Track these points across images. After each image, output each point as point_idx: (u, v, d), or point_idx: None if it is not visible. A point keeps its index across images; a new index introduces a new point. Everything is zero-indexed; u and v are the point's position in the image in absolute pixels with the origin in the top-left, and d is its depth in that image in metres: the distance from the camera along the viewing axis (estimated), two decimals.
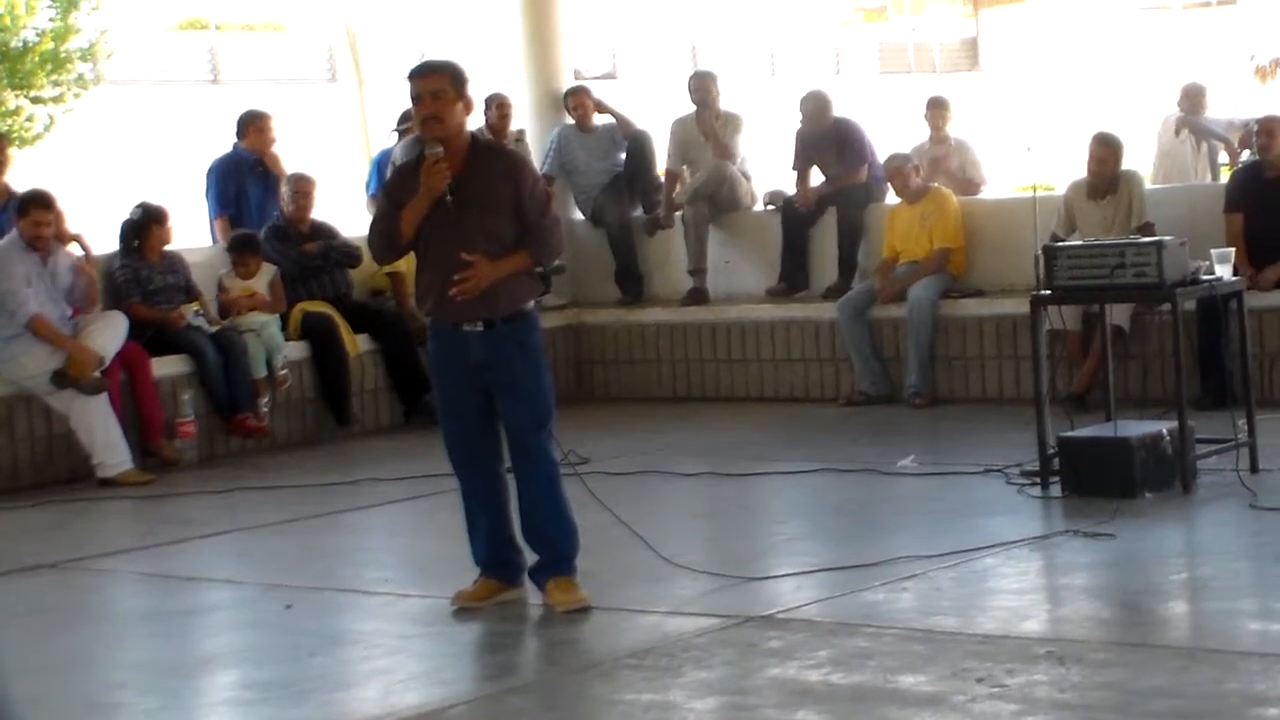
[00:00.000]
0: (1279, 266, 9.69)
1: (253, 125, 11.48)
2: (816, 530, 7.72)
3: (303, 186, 11.09)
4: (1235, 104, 14.18)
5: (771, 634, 5.71)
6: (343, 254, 11.13)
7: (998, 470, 8.06)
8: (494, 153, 6.48)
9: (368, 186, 13.00)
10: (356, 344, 10.89)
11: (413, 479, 8.99)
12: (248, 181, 11.39)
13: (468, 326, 6.10)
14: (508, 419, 6.16)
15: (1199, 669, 5.06)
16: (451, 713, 5.14)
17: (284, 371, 10.52)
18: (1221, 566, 6.42)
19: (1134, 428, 7.64)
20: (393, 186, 6.35)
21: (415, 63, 6.30)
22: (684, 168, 12.09)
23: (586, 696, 5.26)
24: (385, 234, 6.19)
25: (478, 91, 12.86)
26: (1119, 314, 9.55)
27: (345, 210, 12.87)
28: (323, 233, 11.18)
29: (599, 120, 12.49)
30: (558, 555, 6.24)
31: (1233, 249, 8.32)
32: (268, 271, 10.66)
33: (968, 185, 11.75)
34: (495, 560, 6.31)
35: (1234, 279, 8.01)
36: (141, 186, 12.90)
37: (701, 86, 12.05)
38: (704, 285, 11.80)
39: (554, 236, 6.22)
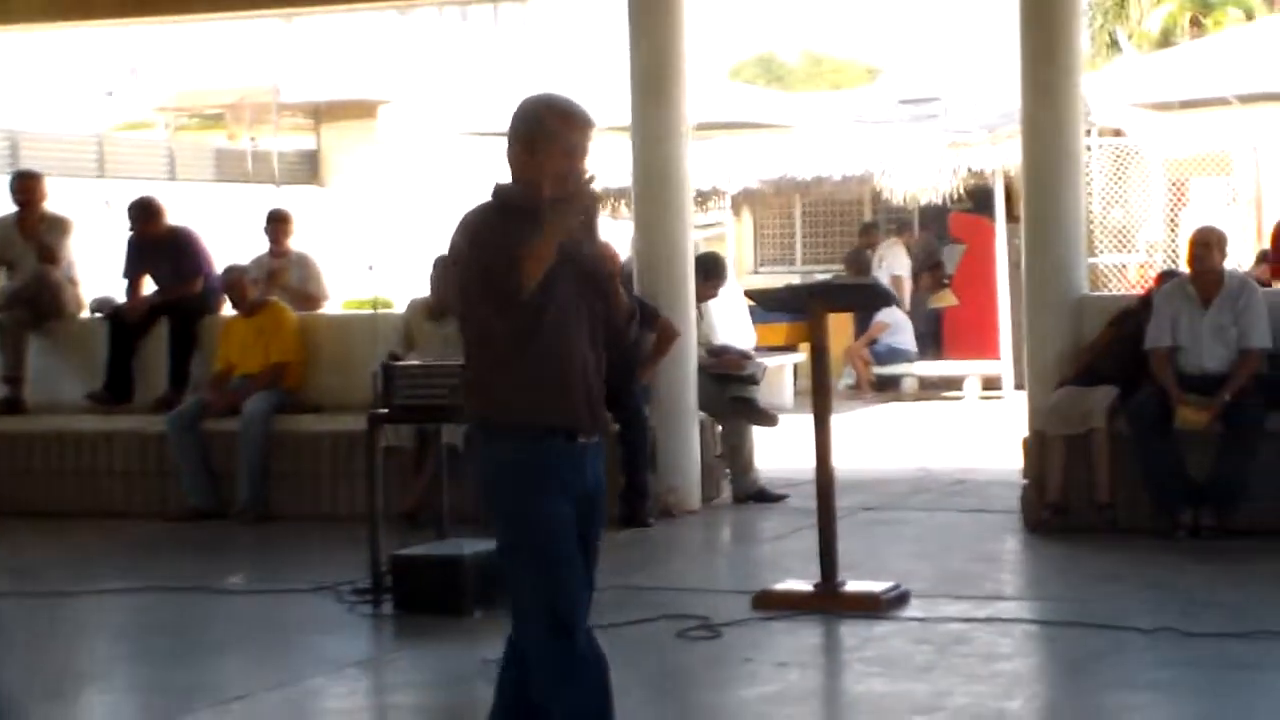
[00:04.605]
0: None
1: None
2: (138, 652, 7.32)
3: None
4: None
5: None
6: None
7: (329, 588, 7.88)
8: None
9: None
10: None
11: None
12: None
13: (584, 438, 4.57)
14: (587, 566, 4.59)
15: None
16: None
17: None
18: None
19: (467, 546, 7.65)
20: (494, 239, 4.56)
21: (565, 105, 4.62)
22: (2, 271, 11.42)
23: None
24: (501, 290, 4.61)
25: None
26: (453, 433, 9.59)
27: None
28: None
29: None
30: None
31: None
32: None
33: (309, 300, 11.61)
34: None
35: None
36: None
37: (24, 187, 11.44)
38: (20, 394, 11.17)
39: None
